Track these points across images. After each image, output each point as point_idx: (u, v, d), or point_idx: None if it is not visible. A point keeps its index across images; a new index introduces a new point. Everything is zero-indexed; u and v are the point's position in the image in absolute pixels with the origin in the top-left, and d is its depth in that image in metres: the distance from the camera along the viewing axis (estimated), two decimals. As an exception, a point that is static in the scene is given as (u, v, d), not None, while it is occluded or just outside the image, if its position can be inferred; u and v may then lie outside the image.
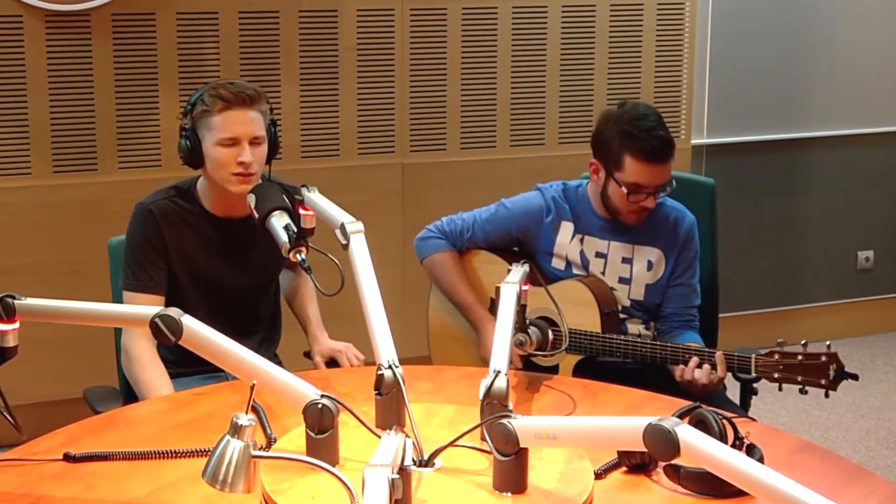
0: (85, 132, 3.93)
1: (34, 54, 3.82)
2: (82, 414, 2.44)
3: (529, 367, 2.84)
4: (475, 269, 3.09)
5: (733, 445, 2.03)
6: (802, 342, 2.58)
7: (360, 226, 2.34)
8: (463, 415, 2.16)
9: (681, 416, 2.03)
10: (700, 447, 1.63)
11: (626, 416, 2.04)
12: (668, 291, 3.00)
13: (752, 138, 4.96)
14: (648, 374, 2.82)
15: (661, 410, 2.29)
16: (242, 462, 1.76)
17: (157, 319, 1.94)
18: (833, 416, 4.40)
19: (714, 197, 3.28)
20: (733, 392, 2.98)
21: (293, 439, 2.05)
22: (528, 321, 2.48)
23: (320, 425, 1.93)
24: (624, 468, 2.08)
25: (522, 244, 3.07)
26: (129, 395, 2.73)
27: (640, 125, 2.85)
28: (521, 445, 1.85)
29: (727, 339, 3.28)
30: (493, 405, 2.00)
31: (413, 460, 1.90)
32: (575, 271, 3.00)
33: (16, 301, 2.04)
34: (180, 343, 1.96)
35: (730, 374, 2.74)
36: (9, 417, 2.05)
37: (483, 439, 1.97)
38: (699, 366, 2.69)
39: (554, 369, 2.88)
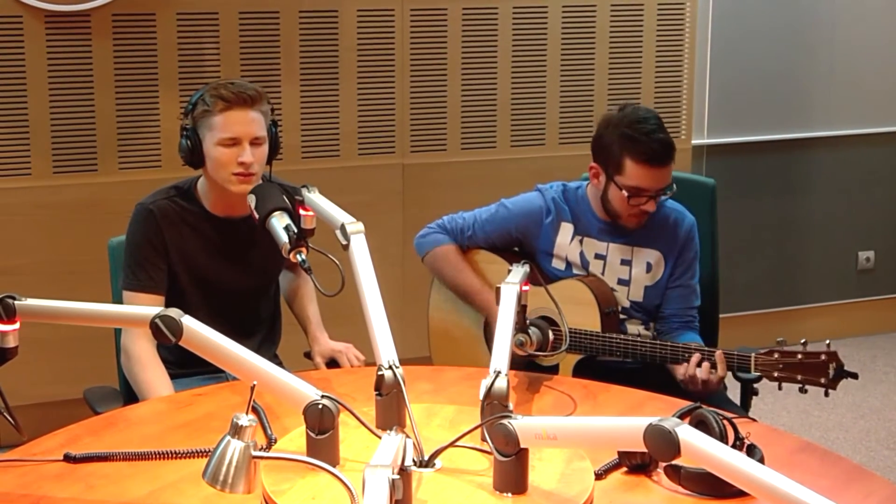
0: (85, 133, 3.93)
1: (34, 55, 3.82)
2: (82, 414, 2.44)
3: (530, 367, 2.84)
4: (477, 268, 3.08)
5: (734, 446, 2.03)
6: (802, 341, 2.58)
7: (360, 226, 2.34)
8: (463, 415, 2.16)
9: (681, 416, 2.03)
10: (700, 448, 1.63)
11: (627, 417, 2.04)
12: (668, 293, 3.00)
13: (753, 139, 4.96)
14: (649, 374, 2.82)
15: (661, 411, 2.29)
16: (243, 463, 1.76)
17: (157, 320, 1.94)
18: (833, 416, 4.40)
19: (714, 197, 3.28)
20: (734, 392, 2.98)
21: (293, 440, 2.05)
22: (528, 321, 2.48)
23: (321, 426, 1.93)
24: (624, 469, 2.08)
25: (522, 245, 3.07)
26: (129, 395, 2.73)
27: (640, 128, 2.85)
28: (522, 446, 1.85)
29: (727, 339, 3.28)
30: (494, 405, 2.00)
31: (413, 461, 1.90)
32: (575, 272, 3.00)
33: (16, 302, 2.04)
34: (180, 344, 1.96)
35: (730, 374, 2.74)
36: (9, 418, 2.05)
37: (483, 440, 1.97)
38: (700, 364, 2.69)
39: (554, 369, 2.88)
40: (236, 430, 1.77)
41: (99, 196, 3.94)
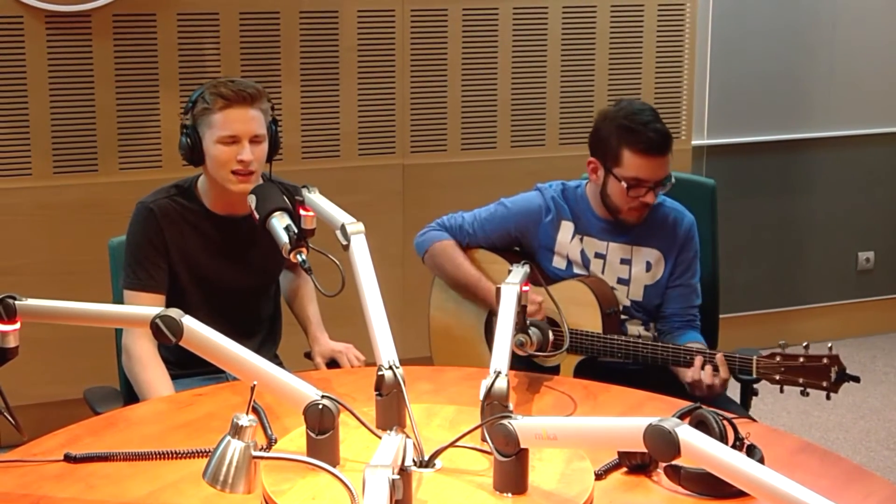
0: (85, 133, 3.93)
1: (35, 55, 3.82)
2: (83, 415, 2.44)
3: (530, 367, 2.84)
4: (477, 267, 3.08)
5: (734, 446, 2.03)
6: (804, 344, 2.58)
7: (360, 226, 2.34)
8: (463, 415, 2.17)
9: (681, 416, 2.03)
10: (700, 448, 1.63)
11: (627, 417, 2.04)
12: (668, 292, 3.01)
13: (753, 139, 4.95)
14: (649, 374, 2.82)
15: (661, 411, 2.29)
16: (243, 463, 1.76)
17: (157, 320, 1.94)
18: (833, 416, 4.40)
19: (714, 198, 3.28)
20: (734, 392, 2.98)
21: (294, 440, 2.05)
22: (528, 322, 2.48)
23: (321, 426, 1.93)
24: (624, 469, 2.08)
25: (521, 244, 3.07)
26: (129, 395, 2.73)
27: (636, 119, 2.86)
28: (522, 446, 1.86)
29: (728, 339, 3.28)
30: (494, 406, 2.00)
31: (413, 461, 1.90)
32: (576, 270, 3.00)
33: (16, 302, 2.04)
34: (181, 344, 1.96)
35: (730, 375, 2.74)
36: (9, 418, 2.05)
37: (483, 440, 1.97)
38: (703, 367, 2.69)
39: (555, 370, 2.88)
40: (236, 431, 1.77)
41: (99, 196, 3.94)
